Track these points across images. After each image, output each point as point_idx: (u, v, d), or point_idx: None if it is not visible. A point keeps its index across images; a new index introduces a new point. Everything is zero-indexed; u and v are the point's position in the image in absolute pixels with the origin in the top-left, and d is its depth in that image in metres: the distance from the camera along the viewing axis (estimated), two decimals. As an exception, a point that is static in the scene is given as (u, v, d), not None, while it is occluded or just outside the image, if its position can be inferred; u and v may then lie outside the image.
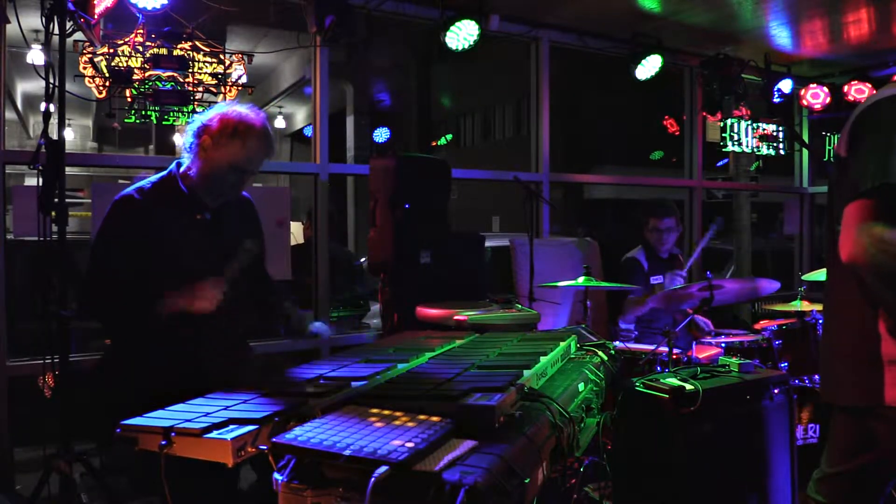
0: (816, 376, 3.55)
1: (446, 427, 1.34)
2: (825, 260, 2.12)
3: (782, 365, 3.66)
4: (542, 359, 1.90)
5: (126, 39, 3.57)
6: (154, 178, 2.39)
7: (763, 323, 4.03)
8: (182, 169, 2.36)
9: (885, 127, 1.76)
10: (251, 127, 2.32)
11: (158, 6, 3.52)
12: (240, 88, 3.90)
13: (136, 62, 3.59)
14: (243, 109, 2.37)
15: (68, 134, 9.81)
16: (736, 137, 6.19)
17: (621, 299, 4.37)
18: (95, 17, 3.24)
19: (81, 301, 2.61)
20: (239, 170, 2.34)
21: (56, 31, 2.72)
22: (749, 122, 6.24)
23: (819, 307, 3.81)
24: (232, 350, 2.46)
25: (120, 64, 3.55)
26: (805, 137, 6.89)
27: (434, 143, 20.05)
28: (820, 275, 3.80)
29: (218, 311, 2.27)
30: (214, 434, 1.35)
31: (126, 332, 2.37)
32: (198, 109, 3.70)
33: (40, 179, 2.54)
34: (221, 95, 3.82)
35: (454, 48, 4.45)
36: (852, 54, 5.93)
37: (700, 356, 3.27)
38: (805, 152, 6.97)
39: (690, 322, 3.76)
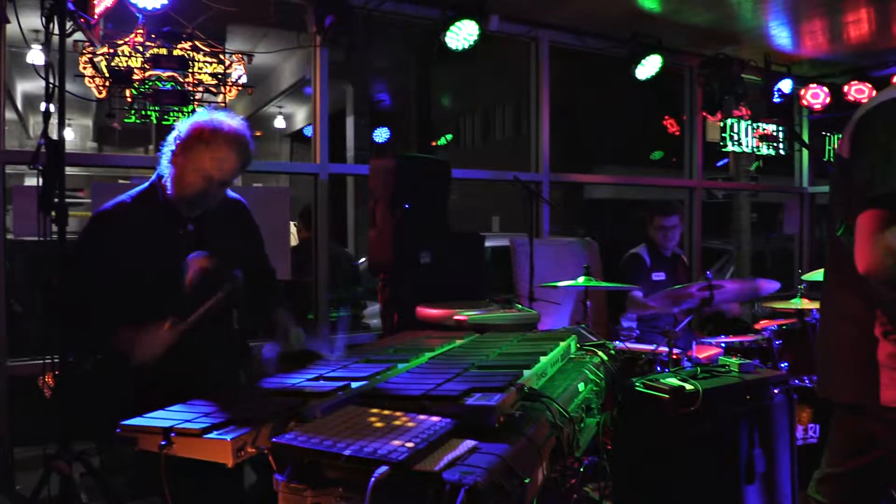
0: (816, 376, 3.55)
1: (446, 427, 1.34)
2: (824, 260, 2.12)
3: (782, 365, 3.66)
4: (542, 359, 1.90)
5: (126, 39, 3.56)
6: (135, 190, 2.33)
7: (763, 323, 4.03)
8: (163, 181, 2.29)
9: (890, 131, 1.75)
10: (217, 132, 2.20)
11: (158, 6, 3.52)
12: (240, 88, 3.90)
13: (136, 62, 3.58)
14: (220, 116, 2.25)
15: (68, 134, 9.81)
16: (736, 137, 6.19)
17: (623, 296, 4.39)
18: (95, 17, 3.24)
19: (54, 311, 2.58)
20: (206, 177, 2.22)
21: (56, 31, 2.72)
22: (749, 122, 6.24)
23: (818, 305, 3.81)
24: (231, 351, 2.46)
25: (120, 64, 3.55)
26: (805, 137, 6.89)
27: (434, 143, 20.03)
28: (819, 274, 3.81)
29: (219, 312, 2.27)
30: (214, 434, 1.35)
31: (89, 348, 2.34)
32: (198, 109, 3.70)
33: (40, 179, 2.54)
34: (221, 95, 3.82)
35: (454, 48, 4.44)
36: (852, 54, 5.93)
37: (700, 356, 3.27)
38: (805, 152, 6.97)
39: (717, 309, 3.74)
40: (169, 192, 2.27)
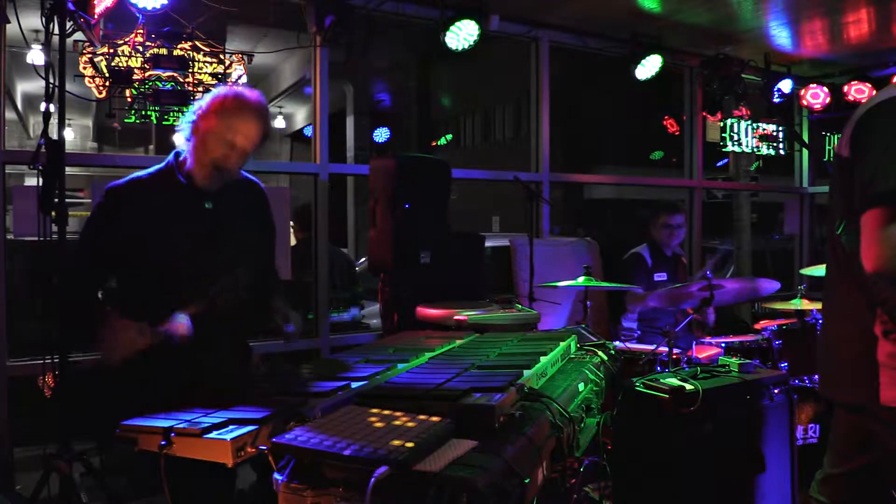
0: (816, 376, 3.55)
1: (446, 427, 1.34)
2: (826, 259, 2.11)
3: (782, 365, 3.66)
4: (542, 359, 1.90)
5: (126, 39, 3.56)
6: (153, 168, 2.35)
7: (763, 323, 4.03)
8: (181, 158, 2.31)
9: (891, 129, 1.75)
10: (241, 100, 2.24)
11: (158, 6, 3.52)
12: (240, 88, 3.90)
13: (136, 62, 3.58)
14: (239, 88, 2.32)
15: (68, 134, 9.82)
16: (736, 137, 6.19)
17: (623, 297, 4.40)
18: (95, 17, 3.23)
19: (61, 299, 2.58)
20: (229, 143, 2.23)
21: (56, 31, 2.72)
22: (749, 122, 6.24)
23: (819, 306, 3.81)
24: (232, 350, 2.46)
25: (120, 64, 3.55)
26: (805, 137, 6.89)
27: (434, 143, 20.04)
28: (818, 270, 3.81)
29: (219, 311, 2.26)
30: (214, 434, 1.35)
31: (84, 329, 2.35)
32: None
33: (40, 179, 2.54)
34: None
35: (454, 48, 4.45)
36: (852, 54, 5.92)
37: (700, 356, 3.27)
38: (805, 152, 6.97)
39: (692, 319, 3.76)
40: (188, 165, 2.27)
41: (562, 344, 2.19)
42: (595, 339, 2.66)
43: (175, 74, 3.67)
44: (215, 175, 2.28)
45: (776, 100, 5.97)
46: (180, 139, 2.31)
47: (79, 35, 3.26)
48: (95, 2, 3.19)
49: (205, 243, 2.28)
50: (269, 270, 2.62)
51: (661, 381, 2.76)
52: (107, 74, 3.52)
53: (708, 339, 3.76)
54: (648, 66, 5.20)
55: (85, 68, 3.52)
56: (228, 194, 2.35)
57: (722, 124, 6.16)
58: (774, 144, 6.44)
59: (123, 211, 2.25)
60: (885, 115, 1.79)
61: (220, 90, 2.29)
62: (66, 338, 2.62)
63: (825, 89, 6.32)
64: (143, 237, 2.21)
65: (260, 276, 2.51)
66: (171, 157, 2.34)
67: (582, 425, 1.88)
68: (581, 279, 3.56)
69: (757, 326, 4.10)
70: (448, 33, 4.39)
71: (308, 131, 11.45)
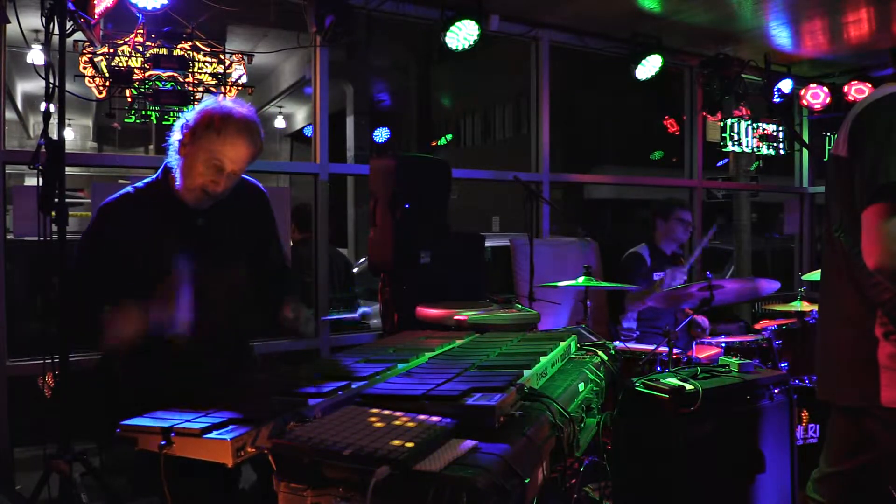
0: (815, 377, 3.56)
1: (447, 427, 1.34)
2: (823, 260, 2.11)
3: (782, 365, 3.66)
4: (542, 359, 1.90)
5: (126, 39, 3.56)
6: (142, 182, 2.30)
7: (763, 323, 4.03)
8: (171, 174, 2.24)
9: (888, 126, 1.75)
10: (228, 118, 2.14)
11: (158, 6, 3.52)
12: (240, 88, 3.90)
13: (136, 62, 3.58)
14: (229, 103, 2.20)
15: (68, 134, 9.81)
16: (736, 137, 6.19)
17: (622, 297, 4.40)
18: (95, 17, 3.23)
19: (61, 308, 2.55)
20: (217, 167, 2.15)
21: (56, 31, 2.72)
22: (749, 122, 6.24)
23: (817, 307, 3.81)
24: (232, 351, 2.46)
25: (120, 64, 3.55)
26: (805, 137, 6.89)
27: (434, 143, 20.05)
28: (818, 274, 3.81)
29: (220, 313, 2.26)
30: (214, 434, 1.35)
31: (89, 345, 2.32)
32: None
33: (40, 179, 2.54)
34: (221, 95, 3.82)
35: (454, 48, 4.44)
36: (852, 54, 5.92)
37: (700, 356, 3.27)
38: (805, 152, 6.97)
39: (690, 321, 3.77)
40: (178, 184, 2.21)
41: (562, 344, 2.18)
42: (595, 339, 2.66)
43: (175, 74, 3.67)
44: (204, 198, 2.22)
45: (776, 100, 5.97)
46: (171, 155, 2.24)
47: (79, 35, 3.26)
48: (95, 2, 3.19)
49: (197, 259, 2.22)
50: (279, 270, 2.56)
51: (661, 381, 2.76)
52: (107, 74, 3.52)
53: (708, 339, 3.77)
54: (648, 66, 5.20)
55: (85, 68, 3.52)
56: (222, 205, 2.28)
57: (722, 124, 6.16)
58: (774, 144, 6.44)
59: (115, 229, 2.21)
60: (882, 111, 1.80)
61: (208, 106, 2.19)
62: (67, 344, 2.62)
63: (825, 89, 6.32)
64: (133, 255, 2.17)
65: (265, 277, 2.47)
66: (160, 171, 2.28)
67: (582, 425, 1.88)
68: (581, 279, 3.56)
69: (757, 326, 4.10)
70: (448, 33, 4.39)
71: (308, 131, 11.47)
